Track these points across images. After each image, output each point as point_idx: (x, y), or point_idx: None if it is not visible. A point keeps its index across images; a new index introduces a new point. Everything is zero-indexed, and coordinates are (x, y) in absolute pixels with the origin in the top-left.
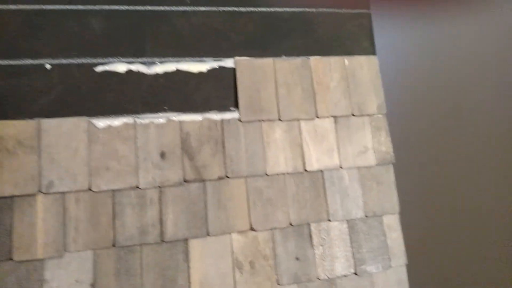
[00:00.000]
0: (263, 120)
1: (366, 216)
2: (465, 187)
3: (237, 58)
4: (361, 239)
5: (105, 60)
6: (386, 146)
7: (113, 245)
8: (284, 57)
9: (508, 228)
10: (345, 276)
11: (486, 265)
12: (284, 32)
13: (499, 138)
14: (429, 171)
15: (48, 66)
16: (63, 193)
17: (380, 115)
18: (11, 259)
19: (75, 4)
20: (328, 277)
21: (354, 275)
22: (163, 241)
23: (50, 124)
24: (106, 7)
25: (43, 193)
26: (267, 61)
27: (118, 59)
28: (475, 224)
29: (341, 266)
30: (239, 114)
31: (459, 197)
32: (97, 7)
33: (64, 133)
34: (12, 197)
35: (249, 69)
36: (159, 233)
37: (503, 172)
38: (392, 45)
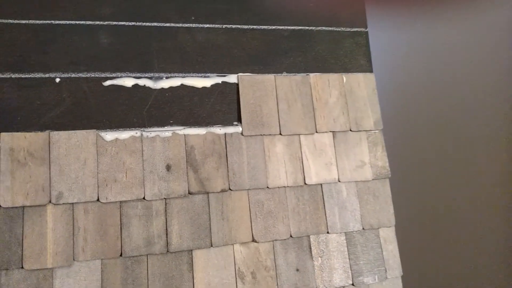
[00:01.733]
0: (264, 135)
1: (363, 229)
2: (459, 200)
3: (240, 74)
4: (358, 251)
5: (113, 74)
6: (382, 160)
7: (120, 255)
8: (285, 73)
9: (504, 241)
10: (343, 287)
11: (480, 277)
12: (284, 49)
13: (492, 151)
14: (424, 185)
15: (57, 80)
16: (72, 204)
17: (376, 131)
18: (22, 267)
19: (84, 20)
20: None
21: (352, 286)
22: (168, 251)
23: (60, 136)
24: (114, 22)
25: (53, 203)
26: (269, 77)
27: (125, 74)
28: (468, 236)
29: (339, 277)
30: (242, 128)
31: (453, 211)
32: (105, 23)
33: (73, 145)
34: (23, 207)
35: (252, 85)
36: (165, 243)
37: (497, 185)
38: (389, 62)
